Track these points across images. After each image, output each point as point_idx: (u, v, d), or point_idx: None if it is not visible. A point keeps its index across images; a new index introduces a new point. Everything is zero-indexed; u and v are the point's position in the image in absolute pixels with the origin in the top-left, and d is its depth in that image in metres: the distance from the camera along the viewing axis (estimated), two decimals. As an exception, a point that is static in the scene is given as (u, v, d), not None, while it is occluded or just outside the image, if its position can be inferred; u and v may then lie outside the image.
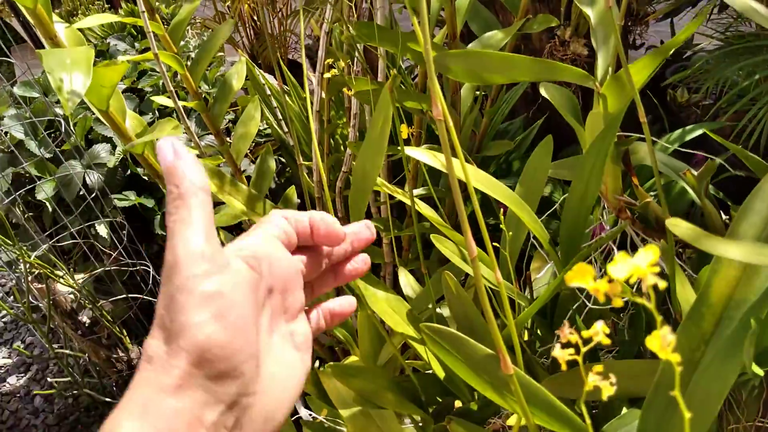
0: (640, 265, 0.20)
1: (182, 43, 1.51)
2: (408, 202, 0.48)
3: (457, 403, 0.47)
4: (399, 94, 0.67)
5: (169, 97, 0.93)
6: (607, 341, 0.23)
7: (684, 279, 0.41)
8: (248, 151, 1.34)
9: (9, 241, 0.86)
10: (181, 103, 0.96)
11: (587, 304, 0.46)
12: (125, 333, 1.11)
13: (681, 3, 1.62)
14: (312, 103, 0.95)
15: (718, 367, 0.33)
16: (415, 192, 0.68)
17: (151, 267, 1.07)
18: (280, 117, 1.27)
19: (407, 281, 0.54)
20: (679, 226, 0.30)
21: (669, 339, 0.19)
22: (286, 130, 1.28)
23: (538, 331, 0.51)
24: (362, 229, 0.37)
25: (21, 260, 0.86)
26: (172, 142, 0.29)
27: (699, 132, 1.04)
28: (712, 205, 0.50)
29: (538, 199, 0.50)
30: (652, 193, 0.71)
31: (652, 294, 0.20)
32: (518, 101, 1.56)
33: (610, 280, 0.21)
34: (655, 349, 0.20)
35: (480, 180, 0.43)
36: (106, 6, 1.54)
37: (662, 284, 0.20)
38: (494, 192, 0.42)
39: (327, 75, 0.75)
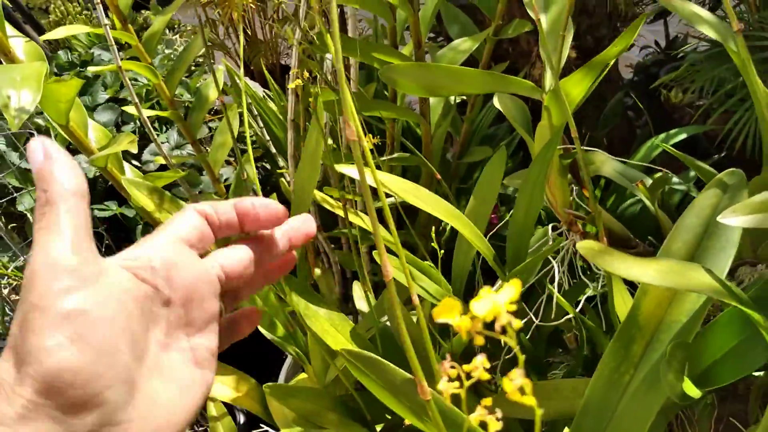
0: (498, 302, 0.19)
1: (168, 51, 1.51)
2: (341, 213, 0.47)
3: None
4: (361, 104, 0.66)
5: (153, 107, 0.93)
6: (487, 376, 0.22)
7: (626, 295, 0.39)
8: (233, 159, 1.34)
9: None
10: (157, 113, 0.96)
11: (534, 320, 0.45)
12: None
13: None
14: (287, 112, 0.95)
15: (645, 392, 0.32)
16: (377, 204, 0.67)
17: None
18: (262, 125, 1.26)
19: (360, 295, 0.54)
20: (581, 245, 0.29)
21: (518, 382, 0.18)
22: (269, 138, 1.27)
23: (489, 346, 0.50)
24: (300, 224, 0.34)
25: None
26: (42, 142, 0.26)
27: (683, 136, 1.02)
28: (667, 217, 0.48)
29: (489, 213, 0.49)
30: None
31: (510, 330, 0.19)
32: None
33: (473, 317, 0.20)
34: (509, 391, 0.19)
35: (420, 197, 0.42)
36: (94, 16, 1.54)
37: (516, 323, 0.19)
38: (435, 209, 0.41)
39: (291, 85, 0.75)
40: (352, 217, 0.49)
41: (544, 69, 1.44)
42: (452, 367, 0.24)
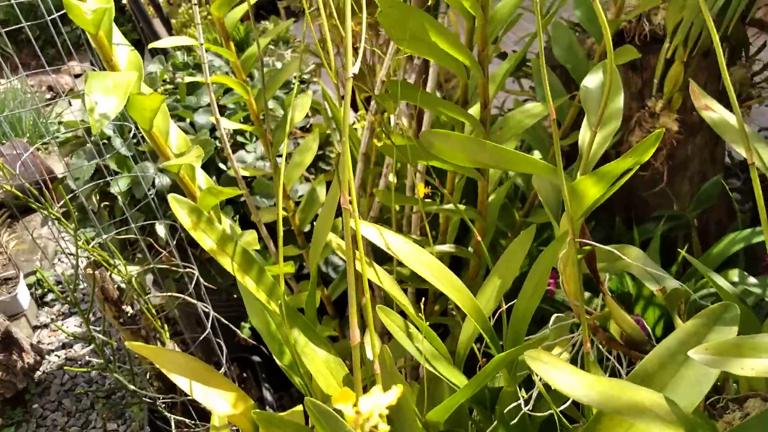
0: (376, 404, 0.20)
1: (278, 65, 1.60)
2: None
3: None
4: (420, 153, 0.67)
5: (242, 120, 1.00)
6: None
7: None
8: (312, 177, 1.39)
9: (70, 225, 0.96)
10: (242, 127, 1.02)
11: (522, 408, 0.44)
12: (166, 327, 1.18)
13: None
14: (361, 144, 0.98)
15: None
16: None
17: (196, 269, 1.13)
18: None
19: (368, 342, 0.55)
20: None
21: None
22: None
23: (478, 418, 0.49)
24: None
25: (76, 243, 0.95)
26: None
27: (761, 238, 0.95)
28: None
29: (506, 289, 0.48)
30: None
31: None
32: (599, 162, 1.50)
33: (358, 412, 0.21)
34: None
35: (427, 265, 0.43)
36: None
37: (383, 430, 0.20)
38: (440, 281, 0.42)
39: (360, 124, 0.78)
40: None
41: (639, 137, 1.38)
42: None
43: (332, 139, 1.42)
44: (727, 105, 1.56)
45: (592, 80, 0.51)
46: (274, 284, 0.52)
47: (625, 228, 1.51)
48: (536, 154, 1.11)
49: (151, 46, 0.83)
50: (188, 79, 0.84)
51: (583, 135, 0.47)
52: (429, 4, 0.70)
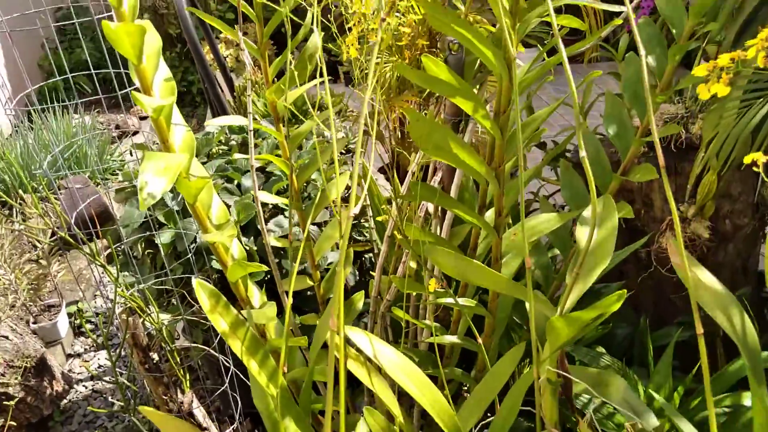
0: None
1: (326, 136, 1.69)
2: (356, 368, 0.53)
3: None
4: (433, 252, 0.72)
5: (284, 188, 1.07)
6: None
7: None
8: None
9: (112, 273, 1.04)
10: (281, 200, 1.10)
11: None
12: (188, 376, 1.24)
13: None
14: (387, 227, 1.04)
15: None
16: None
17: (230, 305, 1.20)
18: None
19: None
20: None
21: None
22: (376, 238, 1.37)
23: None
24: None
25: (115, 290, 1.03)
26: None
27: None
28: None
29: (488, 404, 0.51)
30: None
31: None
32: (629, 260, 1.50)
33: None
34: None
35: (410, 376, 0.47)
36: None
37: None
38: (422, 394, 0.46)
39: (381, 217, 0.83)
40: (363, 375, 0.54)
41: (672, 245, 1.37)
42: None
43: (367, 212, 1.48)
44: (762, 218, 1.55)
45: (588, 213, 0.55)
46: (276, 370, 0.56)
47: (650, 327, 1.51)
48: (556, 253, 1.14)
49: (207, 123, 0.92)
50: (236, 155, 0.92)
51: (568, 276, 0.50)
52: (460, 119, 0.76)
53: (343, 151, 1.93)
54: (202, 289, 0.63)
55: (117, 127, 3.19)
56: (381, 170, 2.42)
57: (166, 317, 1.20)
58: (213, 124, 0.91)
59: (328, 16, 1.04)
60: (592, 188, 0.46)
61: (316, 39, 0.99)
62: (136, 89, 0.72)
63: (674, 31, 0.91)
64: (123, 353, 1.93)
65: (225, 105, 1.74)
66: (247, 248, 1.32)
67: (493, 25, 0.92)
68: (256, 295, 0.88)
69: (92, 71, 1.08)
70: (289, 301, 0.58)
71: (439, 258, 0.52)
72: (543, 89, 3.91)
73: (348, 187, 1.66)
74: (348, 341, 0.51)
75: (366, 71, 1.44)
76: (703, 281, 0.47)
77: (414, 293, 0.97)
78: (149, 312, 1.10)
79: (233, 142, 1.52)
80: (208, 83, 1.69)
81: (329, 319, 0.42)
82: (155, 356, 1.18)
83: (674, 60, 0.91)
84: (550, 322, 0.44)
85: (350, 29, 0.79)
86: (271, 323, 0.85)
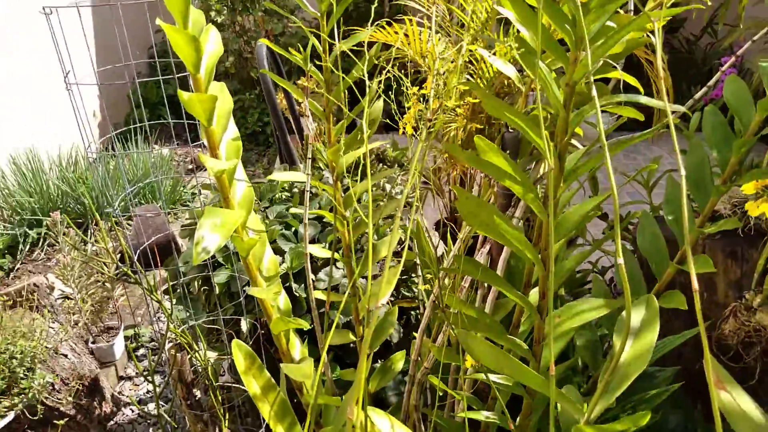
0: None
1: (389, 188, 1.72)
2: None
3: None
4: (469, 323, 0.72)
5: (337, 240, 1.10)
6: None
7: None
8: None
9: (167, 308, 1.09)
10: (335, 256, 1.12)
11: None
12: (227, 416, 1.26)
13: None
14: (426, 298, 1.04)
15: None
16: None
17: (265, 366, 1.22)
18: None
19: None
20: None
21: None
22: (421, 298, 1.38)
23: None
24: None
25: (167, 326, 1.07)
26: None
27: None
28: None
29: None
30: None
31: None
32: (688, 343, 1.43)
33: None
34: None
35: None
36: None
37: None
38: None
39: (422, 287, 0.84)
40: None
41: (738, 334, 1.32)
42: None
43: (417, 268, 1.49)
44: None
45: (634, 316, 0.55)
46: (303, 437, 0.58)
47: (704, 419, 1.43)
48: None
49: (268, 178, 0.97)
50: (293, 210, 0.96)
51: (600, 381, 0.50)
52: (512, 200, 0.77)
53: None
54: (238, 350, 0.66)
55: (193, 161, 3.35)
56: (437, 224, 2.44)
57: (212, 355, 1.24)
58: (276, 178, 0.96)
59: (403, 71, 1.07)
60: (628, 301, 0.45)
61: (379, 105, 1.03)
62: (202, 145, 0.77)
63: (740, 123, 0.89)
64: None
65: (293, 152, 1.81)
66: (297, 294, 1.35)
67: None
68: (297, 347, 0.90)
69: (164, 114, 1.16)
70: (322, 359, 0.59)
71: (472, 345, 0.52)
72: (615, 155, 3.85)
73: (401, 242, 1.68)
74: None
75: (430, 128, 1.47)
76: (742, 409, 0.45)
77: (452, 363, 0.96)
78: (197, 349, 1.14)
79: (296, 190, 1.58)
80: (279, 131, 1.77)
81: (349, 404, 0.44)
82: (198, 392, 1.21)
83: (739, 152, 0.89)
84: (577, 429, 0.43)
85: (409, 108, 0.82)
86: (308, 379, 0.87)
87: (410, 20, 1.63)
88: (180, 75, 0.98)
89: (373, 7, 0.91)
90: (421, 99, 0.84)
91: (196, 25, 0.82)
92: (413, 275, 1.60)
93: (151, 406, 1.94)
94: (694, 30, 4.19)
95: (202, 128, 0.79)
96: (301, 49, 0.98)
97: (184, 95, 0.65)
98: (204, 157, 0.69)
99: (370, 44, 1.00)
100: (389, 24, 1.67)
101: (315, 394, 0.59)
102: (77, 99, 1.06)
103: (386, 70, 1.01)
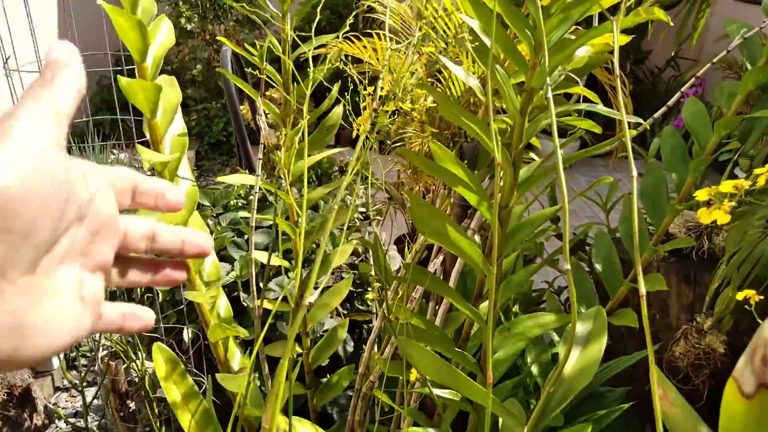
0: None
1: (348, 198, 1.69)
2: None
3: None
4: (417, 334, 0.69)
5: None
6: None
7: None
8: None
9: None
10: (282, 263, 1.08)
11: None
12: (163, 429, 1.20)
13: None
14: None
15: None
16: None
17: (205, 378, 1.17)
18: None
19: None
20: None
21: None
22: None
23: None
24: (200, 239, 0.35)
25: (100, 334, 1.01)
26: (70, 47, 0.28)
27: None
28: None
29: None
30: None
31: None
32: (639, 364, 1.42)
33: None
34: None
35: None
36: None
37: None
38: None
39: (369, 296, 0.81)
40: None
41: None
42: None
43: (372, 282, 1.46)
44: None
45: (580, 327, 0.52)
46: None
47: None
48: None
49: (218, 179, 0.93)
50: (242, 213, 0.92)
51: (542, 395, 0.47)
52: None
53: (362, 218, 1.93)
54: (159, 354, 0.62)
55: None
56: (399, 240, 2.41)
57: (151, 365, 1.17)
58: (224, 181, 0.92)
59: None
60: (573, 308, 0.43)
61: (339, 111, 1.01)
62: (146, 141, 0.73)
63: (697, 144, 0.89)
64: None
65: (252, 160, 1.77)
66: (246, 304, 1.30)
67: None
68: (237, 358, 0.85)
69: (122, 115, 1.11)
70: (245, 369, 0.55)
71: (413, 354, 0.49)
72: (575, 179, 3.89)
73: (358, 254, 1.64)
74: None
75: (393, 141, 1.45)
76: (680, 414, 0.43)
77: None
78: (134, 358, 1.08)
79: (252, 197, 1.53)
80: (239, 138, 1.73)
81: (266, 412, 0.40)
82: (132, 404, 1.15)
83: (695, 173, 0.89)
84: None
85: (365, 108, 0.80)
86: (243, 390, 0.82)
87: (378, 35, 1.62)
88: (129, 68, 0.93)
89: (348, 21, 0.89)
90: (376, 99, 0.81)
91: (146, 13, 0.78)
92: (369, 288, 1.56)
93: (89, 418, 1.85)
94: (659, 63, 4.30)
95: (145, 120, 0.75)
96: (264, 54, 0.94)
97: (123, 81, 0.61)
98: (142, 149, 0.65)
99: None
100: (358, 38, 1.66)
101: (241, 404, 0.54)
102: (18, 89, 1.00)
103: (346, 74, 0.99)
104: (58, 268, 0.27)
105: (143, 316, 0.33)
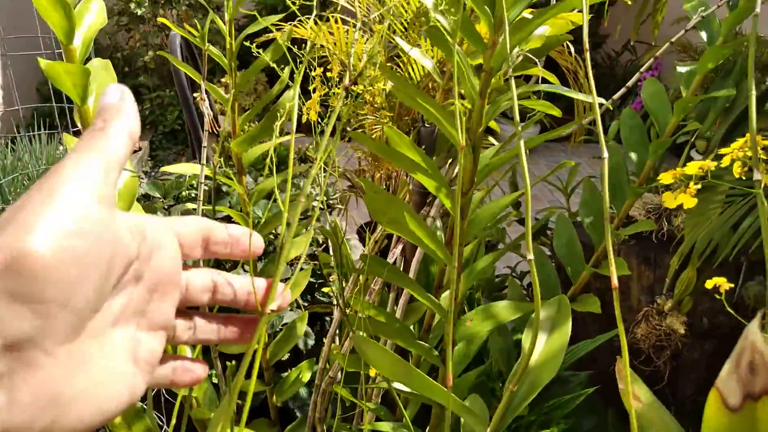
0: None
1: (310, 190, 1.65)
2: None
3: None
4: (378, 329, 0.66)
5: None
6: None
7: None
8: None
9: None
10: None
11: None
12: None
13: None
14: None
15: None
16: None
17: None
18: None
19: None
20: None
21: None
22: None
23: None
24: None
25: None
26: (122, 89, 0.28)
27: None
28: None
29: None
30: None
31: None
32: (602, 347, 1.43)
33: None
34: None
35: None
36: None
37: None
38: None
39: (326, 289, 0.77)
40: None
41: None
42: None
43: (332, 274, 1.42)
44: (745, 314, 1.51)
45: (546, 315, 0.50)
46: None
47: (618, 421, 1.43)
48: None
49: (163, 169, 0.88)
50: (189, 205, 0.88)
51: (506, 390, 0.45)
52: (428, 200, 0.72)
53: (323, 207, 1.89)
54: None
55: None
56: (362, 229, 2.38)
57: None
58: (169, 170, 0.87)
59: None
60: (536, 296, 0.41)
61: (290, 95, 0.96)
62: (77, 132, 0.67)
63: (657, 125, 0.88)
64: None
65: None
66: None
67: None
68: (188, 354, 0.81)
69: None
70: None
71: (368, 352, 0.46)
72: (536, 163, 3.92)
73: (320, 244, 1.60)
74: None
75: (353, 128, 1.41)
76: (648, 410, 0.41)
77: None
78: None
79: (205, 188, 1.48)
80: (191, 126, 1.67)
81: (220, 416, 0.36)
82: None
83: (655, 155, 0.88)
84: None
85: (314, 90, 0.76)
86: (200, 390, 0.78)
87: (335, 18, 1.57)
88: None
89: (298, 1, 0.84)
90: (326, 82, 0.77)
91: (75, -10, 0.72)
92: (331, 279, 1.53)
93: None
94: (616, 47, 4.35)
95: (75, 108, 0.69)
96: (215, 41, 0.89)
97: (42, 63, 0.55)
98: (69, 138, 0.60)
99: (295, 41, 0.93)
100: (315, 23, 1.60)
101: (189, 406, 0.51)
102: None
103: (301, 59, 0.94)
104: (111, 330, 0.26)
105: (193, 369, 0.31)
